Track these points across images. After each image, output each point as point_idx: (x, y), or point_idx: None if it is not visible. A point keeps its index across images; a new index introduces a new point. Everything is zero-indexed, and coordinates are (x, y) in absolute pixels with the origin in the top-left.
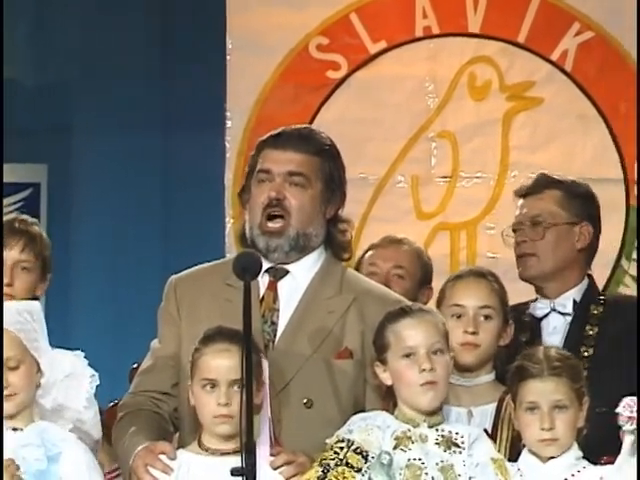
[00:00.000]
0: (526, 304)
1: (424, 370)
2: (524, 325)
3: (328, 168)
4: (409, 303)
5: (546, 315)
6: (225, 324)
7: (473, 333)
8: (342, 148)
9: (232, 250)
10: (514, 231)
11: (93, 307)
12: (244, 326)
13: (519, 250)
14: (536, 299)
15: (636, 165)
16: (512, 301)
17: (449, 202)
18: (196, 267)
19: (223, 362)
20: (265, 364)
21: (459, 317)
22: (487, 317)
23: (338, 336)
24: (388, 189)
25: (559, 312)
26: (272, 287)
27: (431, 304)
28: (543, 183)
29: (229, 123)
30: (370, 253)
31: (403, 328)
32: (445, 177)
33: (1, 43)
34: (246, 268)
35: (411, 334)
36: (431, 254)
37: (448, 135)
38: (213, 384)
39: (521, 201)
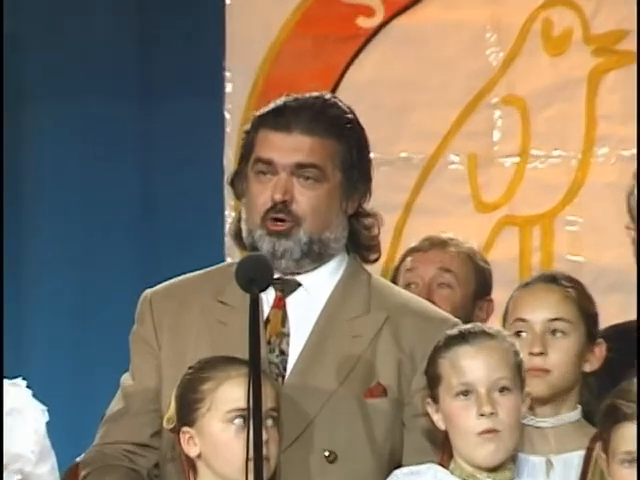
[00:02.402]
0: (632, 323)
1: (483, 415)
2: (626, 349)
3: (349, 151)
4: (467, 325)
5: None
6: (216, 354)
7: (540, 354)
8: (377, 119)
9: (234, 253)
10: None
11: (50, 327)
12: (251, 352)
13: None
14: None
15: (636, 164)
16: (609, 317)
17: (517, 189)
18: (178, 278)
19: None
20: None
21: (523, 334)
22: (559, 332)
23: (368, 368)
24: (437, 172)
25: None
26: (279, 305)
27: (493, 322)
28: None
29: (229, 87)
30: (409, 259)
31: (457, 358)
32: (512, 156)
33: (1, 43)
34: (255, 277)
35: (468, 366)
36: (495, 257)
37: (516, 101)
38: (243, 414)
39: None
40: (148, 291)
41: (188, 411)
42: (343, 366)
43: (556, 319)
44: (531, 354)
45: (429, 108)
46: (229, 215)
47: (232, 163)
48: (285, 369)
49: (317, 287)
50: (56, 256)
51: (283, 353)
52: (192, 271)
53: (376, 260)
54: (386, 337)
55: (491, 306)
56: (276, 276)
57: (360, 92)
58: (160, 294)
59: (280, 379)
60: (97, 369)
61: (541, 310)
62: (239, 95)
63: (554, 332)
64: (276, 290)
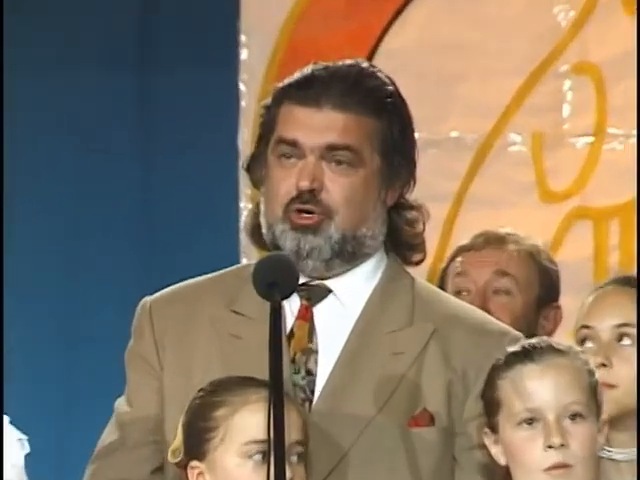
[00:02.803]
0: None
1: (551, 447)
2: None
3: (390, 131)
4: (532, 339)
5: None
6: (230, 374)
7: (602, 365)
8: (421, 92)
9: (251, 252)
10: None
11: (33, 339)
12: (271, 372)
13: None
14: None
15: (636, 162)
16: None
17: (592, 175)
18: (184, 284)
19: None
20: None
21: (587, 344)
22: (627, 339)
23: (412, 391)
24: (495, 155)
25: None
26: (306, 315)
27: (562, 334)
28: None
29: (244, 54)
30: (459, 260)
31: (521, 379)
32: (585, 135)
33: (1, 44)
34: (276, 281)
35: (533, 389)
36: (564, 257)
37: (590, 69)
38: (262, 449)
39: None
40: (147, 299)
41: (198, 442)
42: (382, 389)
43: (624, 324)
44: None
45: (484, 78)
46: (245, 207)
47: (249, 144)
48: (313, 392)
49: (350, 294)
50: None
51: (310, 374)
52: (200, 275)
53: (420, 262)
54: (433, 354)
55: (559, 314)
56: (301, 281)
57: (401, 59)
58: (162, 302)
59: (307, 404)
60: (87, 392)
61: (609, 316)
62: (256, 63)
63: (621, 339)
64: (301, 298)
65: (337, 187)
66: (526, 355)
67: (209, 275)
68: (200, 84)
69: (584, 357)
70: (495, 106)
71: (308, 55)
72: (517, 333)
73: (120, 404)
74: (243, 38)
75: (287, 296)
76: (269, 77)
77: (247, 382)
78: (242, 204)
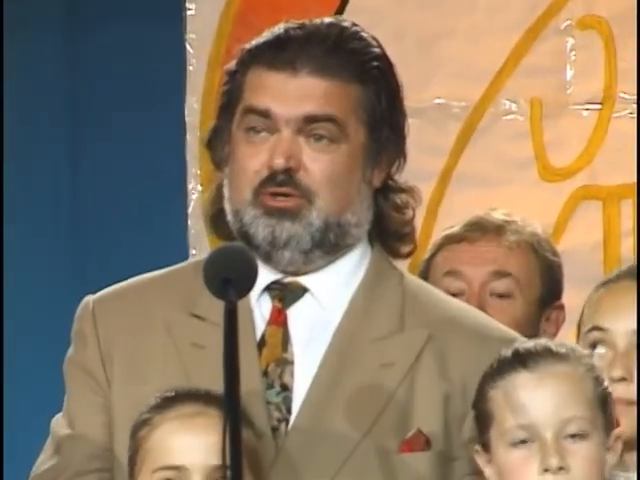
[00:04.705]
0: None
1: (547, 470)
2: None
3: (377, 99)
4: (526, 342)
5: None
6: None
7: (622, 379)
8: (400, 53)
9: (200, 243)
10: None
11: None
12: (227, 387)
13: None
14: None
15: (636, 165)
16: None
17: (600, 148)
18: (129, 281)
19: (194, 437)
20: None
21: (600, 350)
22: None
23: (404, 409)
24: (487, 125)
25: None
26: (278, 320)
27: (564, 334)
28: None
29: (192, 8)
30: (445, 253)
31: (513, 390)
32: (592, 102)
33: (1, 45)
34: (231, 275)
35: (526, 401)
36: (568, 245)
37: (597, 24)
38: (177, 478)
39: None
40: (90, 298)
41: (129, 467)
42: (369, 408)
43: None
44: (611, 379)
45: (473, 36)
46: (194, 189)
47: (196, 115)
48: (289, 411)
49: (330, 294)
50: None
51: (286, 388)
52: (142, 271)
53: (410, 254)
54: (428, 365)
55: (562, 315)
56: (273, 277)
57: (375, 16)
58: (107, 303)
59: (283, 426)
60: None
61: (627, 318)
62: (206, 19)
63: None
64: (273, 299)
65: (317, 166)
66: (519, 361)
67: (159, 271)
68: (138, 44)
69: (589, 361)
70: (486, 69)
71: (266, 10)
72: (523, 339)
73: (58, 424)
74: None
75: (244, 294)
76: (221, 36)
77: (180, 397)
78: (190, 186)
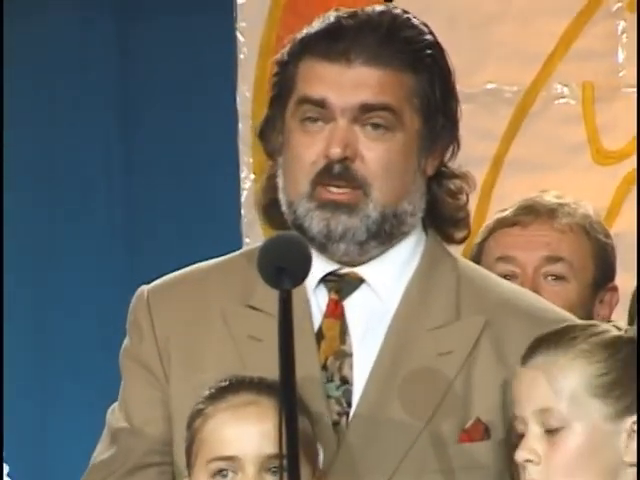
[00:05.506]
0: None
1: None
2: None
3: (431, 88)
4: (579, 322)
5: None
6: None
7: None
8: (450, 38)
9: (253, 232)
10: None
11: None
12: (282, 378)
13: None
14: None
15: (636, 163)
16: None
17: None
18: (183, 271)
19: (247, 427)
20: (320, 451)
21: None
22: None
23: (462, 398)
24: (540, 110)
25: None
26: (335, 312)
27: (618, 316)
28: None
29: None
30: (497, 237)
31: (516, 380)
32: None
33: (1, 47)
34: (285, 265)
35: (519, 389)
36: (621, 228)
37: None
38: (231, 469)
39: None
40: (144, 288)
41: (187, 457)
42: (428, 398)
43: None
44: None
45: (524, 20)
46: (247, 178)
47: (248, 104)
48: (350, 404)
49: (386, 283)
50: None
51: (345, 381)
52: (196, 260)
53: (464, 239)
54: (486, 351)
55: (615, 297)
56: (329, 269)
57: (426, 0)
58: (161, 293)
59: (344, 419)
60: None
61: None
62: (256, 7)
63: None
64: (329, 291)
65: (373, 154)
66: (541, 342)
67: (214, 261)
68: (189, 33)
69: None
70: (537, 53)
71: None
72: (580, 322)
73: (115, 416)
74: None
75: (298, 283)
76: (271, 24)
77: (236, 387)
78: (243, 174)
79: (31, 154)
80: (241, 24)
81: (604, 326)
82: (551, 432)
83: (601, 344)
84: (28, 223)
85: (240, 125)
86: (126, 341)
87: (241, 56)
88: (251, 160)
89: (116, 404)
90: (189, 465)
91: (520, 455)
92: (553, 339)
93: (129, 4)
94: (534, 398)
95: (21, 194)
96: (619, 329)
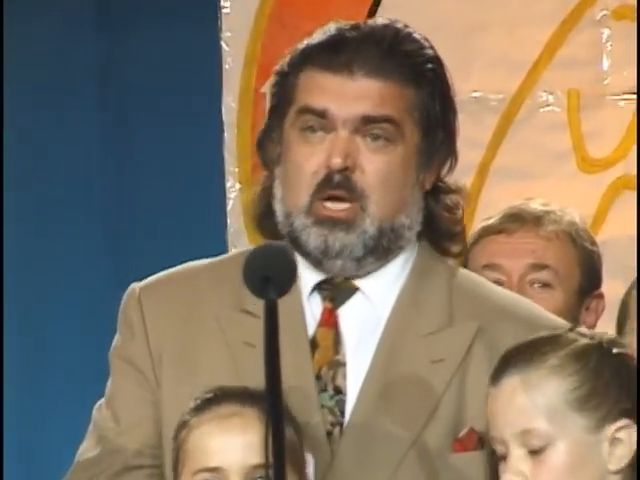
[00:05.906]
0: None
1: None
2: None
3: (431, 101)
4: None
5: None
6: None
7: None
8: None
9: (239, 241)
10: None
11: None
12: (268, 386)
13: None
14: None
15: (636, 163)
16: None
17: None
18: (174, 270)
19: (231, 437)
20: (310, 461)
21: None
22: None
23: (455, 407)
24: (524, 118)
25: None
26: (330, 321)
27: (604, 325)
28: None
29: (227, 6)
30: (483, 244)
31: (489, 400)
32: (629, 92)
33: (1, 47)
34: (270, 275)
35: (494, 410)
36: (607, 235)
37: (632, 14)
38: (216, 479)
39: None
40: (136, 285)
41: (173, 469)
42: (421, 407)
43: None
44: None
45: (509, 28)
46: (232, 187)
47: (233, 113)
48: (343, 414)
49: (380, 290)
50: None
51: (339, 391)
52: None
53: (460, 254)
54: (479, 358)
55: (601, 304)
56: (322, 277)
57: (410, 8)
58: (153, 290)
59: (337, 430)
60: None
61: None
62: (241, 17)
63: None
64: (324, 299)
65: (373, 167)
66: (507, 359)
67: (207, 261)
68: (174, 42)
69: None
70: (523, 60)
71: (301, 7)
72: (546, 333)
73: (102, 414)
74: None
75: (284, 293)
76: (256, 34)
77: (217, 398)
78: (228, 184)
79: (26, 155)
80: (226, 34)
81: (570, 335)
82: (535, 452)
83: (571, 356)
84: (21, 223)
85: (225, 135)
86: (116, 339)
87: (226, 66)
88: (237, 169)
89: (102, 400)
90: (176, 476)
91: (508, 478)
92: (522, 357)
93: (114, 14)
94: (512, 420)
95: (13, 194)
96: (585, 336)
